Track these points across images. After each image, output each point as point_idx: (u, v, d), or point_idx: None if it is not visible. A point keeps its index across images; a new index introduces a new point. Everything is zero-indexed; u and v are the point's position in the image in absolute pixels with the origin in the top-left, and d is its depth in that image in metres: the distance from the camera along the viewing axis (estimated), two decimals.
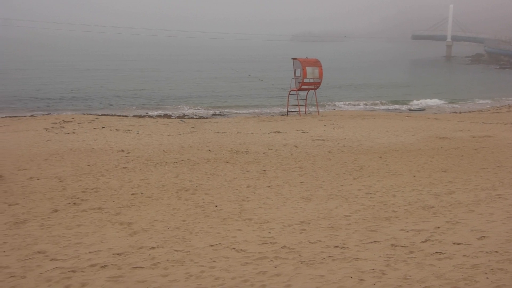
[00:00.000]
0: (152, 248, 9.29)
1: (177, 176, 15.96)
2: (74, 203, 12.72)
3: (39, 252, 9.15)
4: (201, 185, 14.71)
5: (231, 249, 9.17)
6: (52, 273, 8.06)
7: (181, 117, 37.75)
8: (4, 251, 9.22)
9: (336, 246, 9.23)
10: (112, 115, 36.72)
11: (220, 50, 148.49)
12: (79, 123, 29.59)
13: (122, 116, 36.81)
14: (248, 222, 11.02)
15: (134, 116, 37.38)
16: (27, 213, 11.83)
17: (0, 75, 66.17)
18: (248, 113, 41.57)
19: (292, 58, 38.15)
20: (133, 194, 13.71)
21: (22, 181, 15.22)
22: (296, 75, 36.98)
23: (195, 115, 39.60)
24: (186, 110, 42.44)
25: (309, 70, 36.09)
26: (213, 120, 35.40)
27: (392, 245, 9.24)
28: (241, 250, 9.09)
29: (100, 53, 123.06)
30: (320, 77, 36.51)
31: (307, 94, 38.56)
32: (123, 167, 17.26)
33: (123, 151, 20.46)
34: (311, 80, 36.43)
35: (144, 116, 37.42)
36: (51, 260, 8.75)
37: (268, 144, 22.54)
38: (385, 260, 8.46)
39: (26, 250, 9.31)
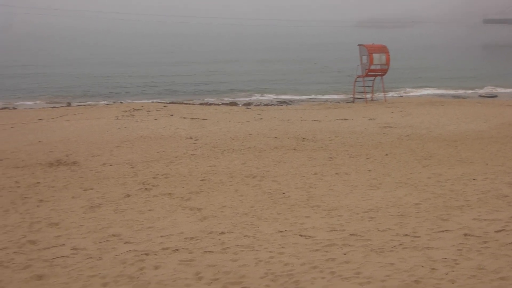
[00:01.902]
0: (221, 233, 9.46)
1: (244, 163, 16.12)
2: (146, 189, 13.08)
3: (113, 235, 9.49)
4: (268, 172, 14.81)
5: (300, 235, 9.21)
6: (127, 256, 8.35)
7: (247, 104, 37.94)
8: (81, 234, 9.61)
9: (406, 235, 9.11)
10: (180, 103, 37.32)
11: (284, 38, 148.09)
12: (148, 111, 30.27)
13: (190, 104, 37.36)
14: (316, 209, 11.03)
15: (201, 104, 37.87)
16: (101, 198, 12.27)
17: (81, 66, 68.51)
18: (313, 100, 41.37)
19: (358, 45, 37.59)
20: (201, 180, 13.96)
21: (96, 167, 15.77)
22: (363, 61, 36.42)
23: (261, 102, 39.72)
24: (252, 97, 42.66)
25: (376, 56, 35.47)
26: (278, 108, 35.43)
27: (465, 235, 9.04)
28: (310, 236, 9.12)
29: (172, 44, 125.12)
30: (387, 63, 35.82)
31: (373, 80, 37.95)
32: (192, 154, 17.58)
33: (191, 138, 20.82)
34: (378, 67, 35.80)
35: (211, 104, 37.85)
36: (125, 243, 9.05)
37: (335, 131, 22.40)
38: (457, 250, 8.30)
39: (101, 233, 9.67)
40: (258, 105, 37.50)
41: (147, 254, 8.39)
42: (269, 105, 37.68)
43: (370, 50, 35.60)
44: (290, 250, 8.45)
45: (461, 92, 46.33)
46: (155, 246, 8.80)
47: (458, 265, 7.67)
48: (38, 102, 40.80)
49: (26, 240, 9.31)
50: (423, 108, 31.44)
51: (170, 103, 37.06)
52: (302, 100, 41.19)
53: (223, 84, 50.74)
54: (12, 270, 7.85)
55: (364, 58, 36.12)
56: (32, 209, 11.40)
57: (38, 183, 13.87)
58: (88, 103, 38.86)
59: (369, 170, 14.87)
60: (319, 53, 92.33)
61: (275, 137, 20.77)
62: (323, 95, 44.23)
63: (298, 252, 8.34)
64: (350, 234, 9.19)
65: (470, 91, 46.42)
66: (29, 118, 28.06)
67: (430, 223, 9.82)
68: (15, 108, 36.78)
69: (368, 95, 37.65)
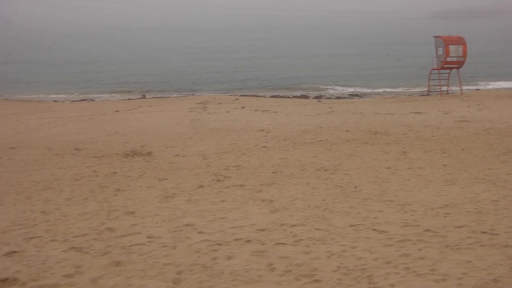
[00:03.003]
0: (293, 225, 9.46)
1: (315, 156, 16.06)
2: (218, 180, 13.25)
3: (187, 225, 9.67)
4: (340, 165, 14.68)
5: (373, 230, 9.09)
6: (200, 245, 8.49)
7: (318, 97, 37.75)
8: (157, 223, 9.86)
9: (484, 232, 8.82)
10: (251, 96, 37.59)
11: (356, 29, 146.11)
12: (220, 104, 30.65)
13: (261, 96, 37.54)
14: (389, 203, 10.84)
15: (272, 96, 37.98)
16: (175, 188, 12.53)
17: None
18: (386, 93, 40.66)
19: (434, 36, 36.63)
20: (273, 172, 14.01)
21: (170, 157, 16.11)
22: (438, 53, 35.46)
23: (332, 95, 39.44)
24: (323, 90, 42.41)
25: (452, 48, 34.45)
26: (350, 101, 35.08)
27: None
28: (383, 231, 8.99)
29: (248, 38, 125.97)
30: (464, 55, 34.71)
31: (449, 73, 36.87)
32: (263, 146, 17.67)
33: (262, 130, 20.92)
34: (454, 59, 34.76)
35: (282, 97, 37.89)
36: (198, 232, 9.21)
37: (408, 125, 21.94)
38: None
39: (175, 222, 9.87)
40: (329, 98, 37.27)
41: (220, 244, 8.50)
42: (341, 98, 37.37)
43: (446, 41, 34.60)
44: (363, 244, 8.35)
45: None
46: (228, 236, 8.90)
47: None
48: (114, 94, 42.11)
49: (105, 227, 9.64)
50: (501, 101, 30.30)
51: (241, 95, 37.39)
52: (375, 93, 40.60)
53: (294, 77, 50.66)
54: (92, 256, 8.15)
55: (440, 50, 35.17)
56: (109, 198, 11.78)
57: (115, 172, 14.32)
58: (162, 95, 39.74)
59: (445, 165, 14.48)
60: (393, 46, 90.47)
61: (347, 130, 20.57)
62: (396, 88, 43.44)
63: (371, 246, 8.24)
64: (425, 230, 8.98)
65: None
66: (106, 110, 29.01)
67: (509, 220, 9.46)
68: (93, 100, 38.10)
69: (444, 88, 36.62)
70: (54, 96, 41.31)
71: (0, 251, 8.52)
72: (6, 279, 7.32)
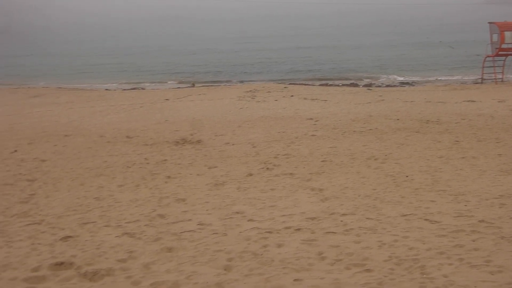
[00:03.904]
0: (343, 214, 9.39)
1: (365, 144, 15.88)
2: (267, 168, 13.26)
3: (237, 213, 9.72)
4: (390, 154, 14.48)
5: (425, 220, 8.93)
6: (250, 233, 8.53)
7: (368, 85, 37.30)
8: (207, 210, 9.95)
9: None
10: (300, 84, 37.44)
11: (406, 16, 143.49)
12: (269, 92, 30.64)
13: (309, 84, 37.35)
14: (442, 193, 10.63)
15: (321, 85, 37.73)
16: (225, 176, 12.61)
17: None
18: (438, 81, 39.83)
19: (488, 22, 35.63)
20: (322, 161, 13.93)
21: (219, 146, 16.22)
22: (493, 40, 34.50)
23: (382, 83, 38.90)
24: (373, 78, 41.86)
25: (507, 34, 33.42)
26: (401, 89, 34.51)
27: None
28: (435, 221, 8.82)
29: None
30: None
31: (504, 60, 35.82)
32: (312, 135, 17.58)
33: (311, 119, 20.81)
34: (510, 46, 33.74)
35: (331, 85, 37.61)
36: (248, 220, 9.25)
37: (461, 113, 21.43)
38: None
39: (225, 210, 9.94)
40: (379, 86, 36.76)
41: (270, 232, 8.52)
42: (391, 86, 36.83)
43: (501, 27, 33.60)
44: (415, 234, 8.22)
45: None
46: (278, 224, 8.91)
47: None
48: (164, 83, 42.67)
49: (156, 214, 9.79)
50: None
51: (290, 84, 37.29)
52: (426, 81, 39.82)
53: (343, 66, 50.18)
54: (144, 242, 8.29)
55: (495, 36, 34.19)
56: (160, 185, 11.95)
57: (165, 160, 14.51)
58: (211, 84, 40.01)
59: (499, 154, 14.08)
60: (445, 33, 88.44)
61: (397, 119, 20.25)
62: (449, 76, 42.47)
63: (423, 236, 8.10)
64: (479, 221, 8.77)
65: None
66: (156, 99, 29.43)
67: None
68: (143, 89, 38.68)
69: (499, 76, 35.60)
70: (106, 85, 42.13)
71: (56, 235, 8.77)
72: (62, 263, 7.52)
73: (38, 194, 11.55)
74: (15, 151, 16.20)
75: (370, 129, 18.27)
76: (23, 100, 31.17)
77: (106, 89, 38.63)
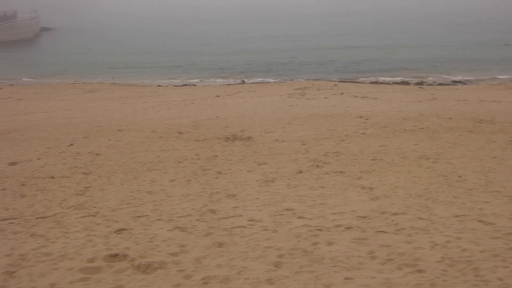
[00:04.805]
0: (394, 214, 9.31)
1: (416, 143, 15.67)
2: (317, 166, 13.25)
3: (287, 209, 9.76)
4: (442, 154, 14.24)
5: (478, 221, 8.78)
6: (301, 230, 8.56)
7: (420, 84, 36.69)
8: (257, 206, 10.03)
9: None
10: (350, 82, 37.18)
11: (464, 14, 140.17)
12: (319, 89, 30.53)
13: (360, 82, 37.05)
14: (496, 194, 10.41)
15: (371, 82, 37.37)
16: (274, 173, 12.66)
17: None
18: (492, 79, 38.87)
19: None
20: (373, 159, 13.82)
21: (269, 142, 16.28)
22: None
23: (434, 82, 38.22)
24: (424, 76, 41.17)
25: None
26: (453, 87, 33.86)
27: None
28: (490, 223, 8.65)
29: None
30: None
31: None
32: (362, 133, 17.45)
33: (361, 117, 20.65)
34: None
35: (381, 83, 37.20)
36: (298, 217, 9.28)
37: None
38: None
39: (275, 206, 10.00)
40: (431, 85, 36.16)
41: (320, 230, 8.53)
42: (443, 85, 36.17)
43: None
44: (468, 235, 8.09)
45: None
46: (328, 222, 8.91)
47: None
48: (214, 80, 43.07)
49: (207, 209, 9.93)
50: None
51: (340, 81, 37.06)
52: (480, 80, 38.90)
53: (395, 64, 49.49)
54: (196, 236, 8.43)
55: None
56: (211, 180, 12.10)
57: (216, 156, 14.67)
58: (261, 81, 40.15)
59: None
60: (503, 31, 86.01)
61: (450, 118, 19.88)
62: (504, 74, 41.37)
63: (477, 238, 7.96)
64: None
65: None
66: (207, 95, 29.73)
67: None
68: (194, 85, 39.13)
69: None
70: (158, 81, 42.81)
71: (111, 228, 9.02)
72: (116, 255, 7.73)
73: (93, 187, 11.88)
74: (71, 144, 16.69)
75: (422, 128, 18.00)
76: (79, 95, 32.00)
77: (158, 85, 39.24)
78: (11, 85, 41.08)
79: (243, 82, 39.44)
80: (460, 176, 11.90)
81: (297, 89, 30.90)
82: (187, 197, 10.79)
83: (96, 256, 7.74)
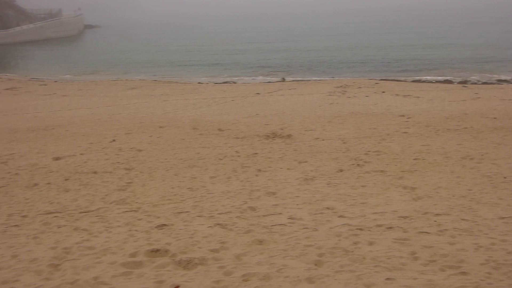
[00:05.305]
0: (437, 214, 9.16)
1: (460, 143, 15.39)
2: (358, 165, 13.14)
3: (327, 208, 9.71)
4: (487, 154, 13.95)
5: None
6: (341, 229, 8.50)
7: (463, 82, 35.98)
8: (297, 204, 10.00)
9: None
10: (391, 80, 36.68)
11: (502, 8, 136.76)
12: (360, 88, 30.24)
13: (401, 81, 36.53)
14: None
15: (413, 81, 36.81)
16: (315, 171, 12.61)
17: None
18: None
19: None
20: (415, 159, 13.63)
21: (309, 141, 16.22)
22: None
23: (478, 80, 37.40)
24: (468, 75, 40.34)
25: None
26: (498, 86, 33.04)
27: None
28: None
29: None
30: None
31: None
32: (404, 132, 17.23)
33: (403, 116, 20.39)
34: None
35: (424, 81, 36.61)
36: (339, 216, 9.22)
37: None
38: None
39: (316, 205, 9.95)
40: (475, 83, 35.38)
41: (361, 229, 8.45)
42: (488, 84, 35.34)
43: None
44: None
45: None
46: (369, 222, 8.82)
47: None
48: (255, 77, 43.10)
49: (247, 206, 9.95)
50: None
51: (381, 79, 36.61)
52: None
53: (438, 61, 48.64)
54: (236, 233, 8.46)
55: None
56: (251, 178, 12.13)
57: (256, 153, 14.69)
58: (301, 78, 40.01)
59: None
60: None
61: (495, 118, 19.45)
62: None
63: None
64: None
65: None
66: (247, 92, 29.76)
67: None
68: (234, 83, 39.23)
69: None
70: (199, 78, 43.07)
71: (152, 223, 9.12)
72: (158, 250, 7.82)
73: (135, 182, 12.05)
74: (114, 140, 16.95)
75: (465, 128, 17.67)
76: (121, 92, 32.46)
77: (199, 83, 39.47)
78: (55, 81, 41.92)
79: (283, 80, 39.32)
80: (505, 177, 11.64)
81: (337, 87, 30.68)
82: (227, 194, 10.84)
83: (138, 251, 7.84)
